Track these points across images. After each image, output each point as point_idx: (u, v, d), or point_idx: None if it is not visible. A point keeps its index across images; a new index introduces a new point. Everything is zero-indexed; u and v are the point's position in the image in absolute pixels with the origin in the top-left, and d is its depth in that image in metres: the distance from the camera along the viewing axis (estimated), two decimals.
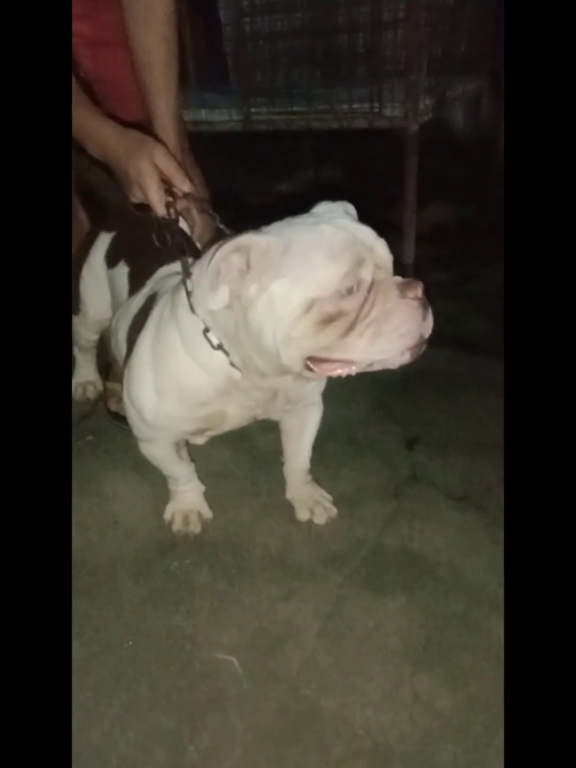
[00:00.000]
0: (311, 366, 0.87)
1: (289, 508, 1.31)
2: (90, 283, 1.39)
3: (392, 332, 0.82)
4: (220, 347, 0.94)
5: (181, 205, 1.08)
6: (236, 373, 0.96)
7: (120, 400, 1.59)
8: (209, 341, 0.93)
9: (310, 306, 0.81)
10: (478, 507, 1.31)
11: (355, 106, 1.90)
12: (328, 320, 0.82)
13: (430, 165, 2.29)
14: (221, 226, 1.04)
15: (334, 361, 0.86)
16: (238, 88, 2.31)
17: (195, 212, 1.12)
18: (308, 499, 1.30)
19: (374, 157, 2.89)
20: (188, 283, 0.94)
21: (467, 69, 2.62)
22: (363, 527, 1.27)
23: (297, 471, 1.29)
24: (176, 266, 1.07)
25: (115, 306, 1.29)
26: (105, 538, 1.27)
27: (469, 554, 1.20)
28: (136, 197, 1.10)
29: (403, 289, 0.83)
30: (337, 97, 1.97)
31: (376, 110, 1.86)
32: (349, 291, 0.81)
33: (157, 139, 1.23)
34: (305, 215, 0.90)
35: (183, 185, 1.07)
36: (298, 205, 2.64)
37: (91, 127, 1.08)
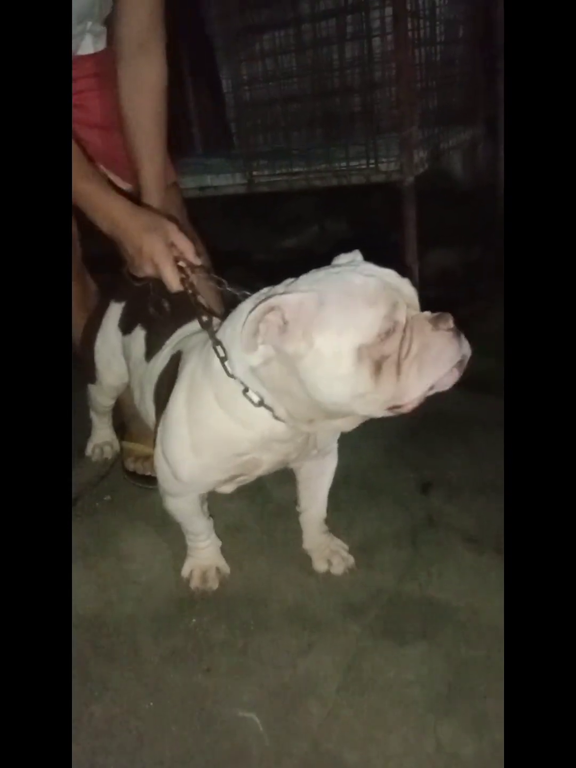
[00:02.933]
0: (390, 411, 0.89)
1: (305, 559, 1.31)
2: (105, 352, 1.44)
3: (435, 363, 0.86)
4: (262, 403, 0.95)
5: (192, 276, 1.13)
6: (280, 426, 0.97)
7: (136, 459, 1.64)
8: (250, 400, 0.95)
9: (359, 354, 0.84)
10: (495, 549, 1.30)
11: (352, 163, 1.98)
12: (377, 367, 0.85)
13: (431, 211, 2.35)
14: (231, 290, 1.08)
15: (402, 404, 0.88)
16: (241, 153, 2.41)
17: (202, 281, 1.16)
18: (325, 549, 1.30)
19: (376, 207, 2.97)
20: (219, 349, 0.97)
21: (461, 119, 2.71)
22: (381, 575, 1.27)
23: (314, 520, 1.30)
24: (194, 325, 1.12)
25: (133, 370, 1.32)
26: (124, 598, 1.28)
27: (489, 597, 1.19)
28: (147, 272, 1.14)
29: (435, 322, 0.87)
30: (335, 155, 2.05)
31: (372, 166, 1.93)
32: (388, 333, 0.84)
33: (143, 203, 1.29)
34: (327, 267, 0.93)
35: (195, 259, 1.12)
36: (304, 259, 2.70)
37: (101, 203, 1.13)
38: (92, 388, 1.54)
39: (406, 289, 0.89)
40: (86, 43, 1.34)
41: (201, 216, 1.68)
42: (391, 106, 2.21)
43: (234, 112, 2.72)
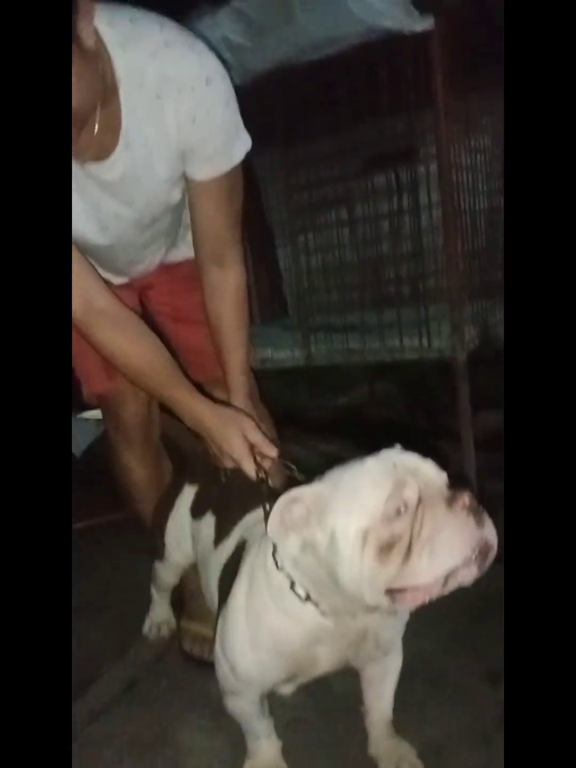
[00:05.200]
0: (393, 598, 0.89)
1: (371, 763, 1.24)
2: (175, 532, 1.48)
3: (446, 545, 0.84)
4: (308, 598, 0.98)
5: (266, 464, 1.21)
6: (328, 622, 0.99)
7: (194, 640, 1.61)
8: (297, 595, 0.98)
9: (365, 536, 0.87)
10: None
11: (405, 340, 2.08)
12: (387, 548, 0.86)
13: (480, 376, 2.42)
14: (300, 477, 1.14)
15: (411, 589, 0.87)
16: (298, 325, 2.55)
17: (276, 469, 1.23)
18: (393, 755, 1.23)
19: (426, 370, 3.07)
20: (271, 541, 1.01)
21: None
22: None
23: (379, 723, 1.24)
24: (260, 513, 1.15)
25: (201, 554, 1.36)
26: None
27: None
28: (228, 466, 1.23)
29: (450, 501, 0.86)
30: (388, 328, 2.17)
31: (425, 345, 2.03)
32: (397, 513, 0.86)
33: (223, 399, 1.38)
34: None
35: (269, 452, 1.20)
36: (354, 418, 2.74)
37: (188, 406, 1.23)
38: (158, 565, 1.57)
39: (426, 470, 0.91)
40: (181, 251, 1.51)
41: (258, 378, 1.77)
42: (441, 275, 2.30)
43: (290, 286, 2.91)
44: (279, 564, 1.00)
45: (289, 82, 2.13)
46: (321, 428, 3.19)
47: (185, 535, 1.45)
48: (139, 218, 1.29)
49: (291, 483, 1.29)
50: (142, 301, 1.60)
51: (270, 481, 1.19)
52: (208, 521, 1.35)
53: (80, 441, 3.23)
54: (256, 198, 3.29)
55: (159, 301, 1.60)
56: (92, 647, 1.70)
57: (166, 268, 1.52)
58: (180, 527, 1.46)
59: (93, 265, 1.29)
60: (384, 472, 0.89)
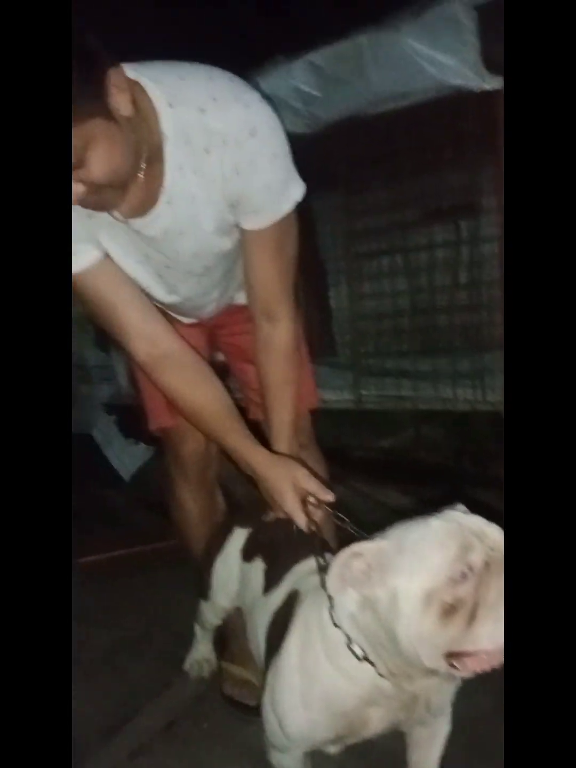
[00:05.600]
0: (454, 663, 0.88)
1: None
2: (222, 573, 1.48)
3: None
4: (366, 658, 0.97)
5: (318, 514, 1.20)
6: (385, 683, 0.97)
7: (235, 683, 1.61)
8: (354, 653, 0.97)
9: (429, 598, 0.86)
10: None
11: (459, 390, 2.07)
12: (450, 611, 0.85)
13: None
14: (352, 530, 1.14)
15: (473, 654, 0.87)
16: (350, 366, 2.57)
17: (327, 519, 1.23)
18: None
19: (475, 417, 3.04)
20: (327, 596, 1.00)
21: None
22: None
23: None
24: (312, 562, 1.16)
25: (249, 599, 1.35)
26: None
27: None
28: (281, 516, 1.23)
29: None
30: (441, 377, 2.17)
31: (480, 398, 2.02)
32: (463, 576, 0.85)
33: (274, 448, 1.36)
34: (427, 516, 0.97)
35: (325, 497, 1.19)
36: (399, 461, 2.70)
37: (243, 453, 1.24)
38: (204, 604, 1.57)
39: (492, 533, 0.90)
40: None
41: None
42: (497, 326, 2.29)
43: (341, 328, 2.93)
44: (335, 621, 0.99)
45: (356, 132, 2.19)
46: (365, 469, 3.18)
47: (233, 577, 1.45)
48: (189, 269, 1.30)
49: (342, 532, 1.29)
50: (211, 339, 1.63)
51: (322, 534, 1.19)
52: (258, 566, 1.35)
53: (129, 466, 3.30)
54: (311, 237, 3.35)
55: (227, 340, 1.63)
56: (133, 682, 1.71)
57: (234, 309, 1.55)
58: (228, 569, 1.46)
59: (158, 309, 1.32)
60: (450, 534, 0.88)
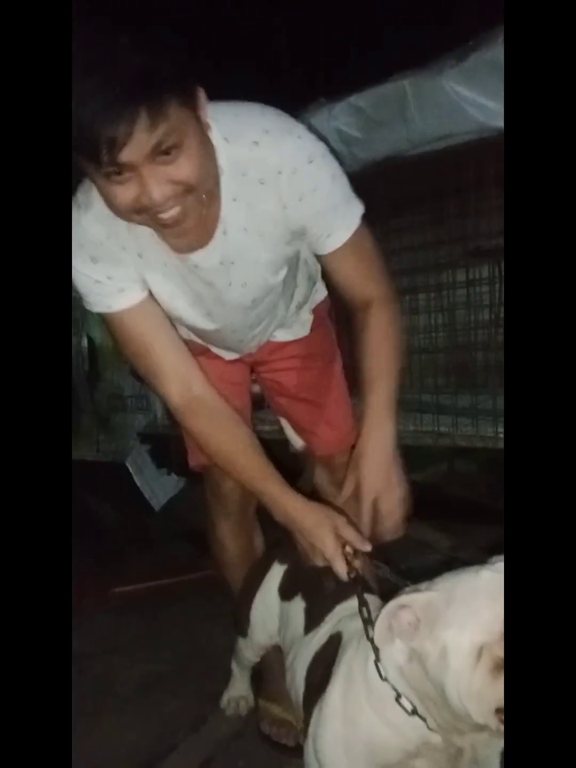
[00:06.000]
0: (503, 719, 0.85)
1: None
2: (261, 611, 1.47)
3: None
4: (415, 712, 0.95)
5: (358, 562, 1.17)
6: (433, 737, 0.96)
7: (273, 722, 1.59)
8: (403, 707, 0.96)
9: (479, 652, 0.84)
10: None
11: (500, 428, 2.06)
12: (501, 666, 0.83)
13: None
14: (391, 578, 1.13)
15: None
16: None
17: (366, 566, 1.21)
18: None
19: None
20: (374, 648, 0.99)
21: None
22: None
23: None
24: (354, 602, 1.13)
25: (288, 638, 1.34)
26: None
27: None
28: (319, 564, 1.20)
29: None
30: (480, 411, 2.14)
31: (500, 435, 2.00)
32: None
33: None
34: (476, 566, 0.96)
35: (362, 546, 1.17)
36: (431, 496, 2.65)
37: (279, 500, 1.22)
38: (241, 642, 1.56)
39: None
40: (293, 331, 1.54)
41: None
42: None
43: None
44: (382, 674, 0.97)
45: (397, 172, 2.22)
46: None
47: (272, 615, 1.44)
48: (239, 301, 1.32)
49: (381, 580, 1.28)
50: (251, 374, 1.65)
51: (364, 582, 1.16)
52: (298, 605, 1.34)
53: (160, 496, 3.31)
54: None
55: (267, 376, 1.64)
56: (168, 718, 1.70)
57: (276, 346, 1.57)
58: (267, 607, 1.46)
59: (191, 354, 1.31)
60: (501, 586, 0.87)
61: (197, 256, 1.21)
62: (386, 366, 1.30)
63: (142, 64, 0.95)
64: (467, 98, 1.92)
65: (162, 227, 1.10)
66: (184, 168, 1.02)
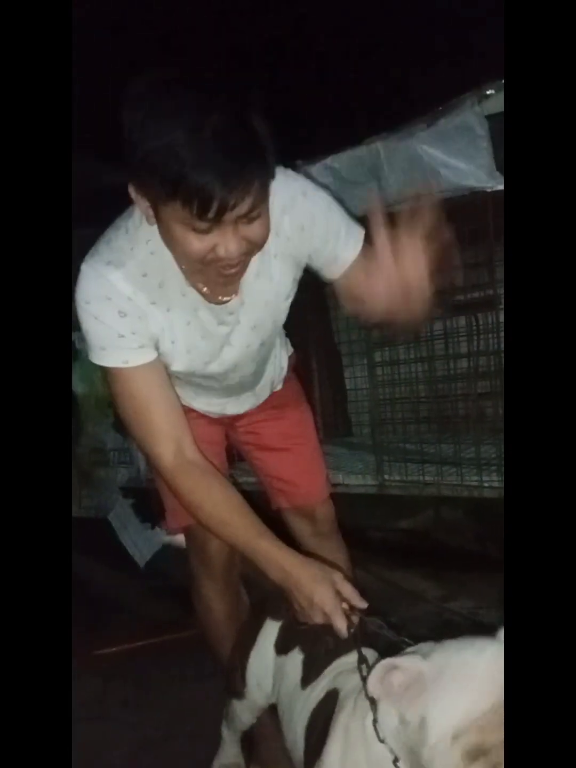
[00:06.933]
0: None
1: None
2: (257, 669, 1.43)
3: None
4: None
5: (354, 618, 1.16)
6: None
7: None
8: None
9: (456, 736, 0.84)
10: None
11: (484, 476, 2.09)
12: (474, 754, 0.83)
13: None
14: (388, 635, 1.12)
15: None
16: (370, 447, 2.58)
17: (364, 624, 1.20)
18: None
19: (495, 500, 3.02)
20: (371, 708, 0.98)
21: None
22: None
23: None
24: (352, 657, 1.13)
25: (285, 693, 1.32)
26: None
27: None
28: (317, 621, 1.18)
29: None
30: (463, 460, 2.17)
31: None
32: (496, 727, 0.82)
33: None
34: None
35: (359, 603, 1.17)
36: (418, 543, 2.63)
37: (274, 557, 1.21)
38: (236, 705, 1.51)
39: None
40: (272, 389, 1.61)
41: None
42: None
43: (361, 409, 2.98)
44: (380, 735, 0.96)
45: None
46: (384, 551, 3.13)
47: (267, 673, 1.41)
48: (248, 344, 1.37)
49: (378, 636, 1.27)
50: (227, 433, 1.67)
51: (363, 638, 1.16)
52: (296, 658, 1.31)
53: (144, 552, 3.26)
54: (324, 319, 3.45)
55: (245, 430, 1.66)
56: None
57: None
58: (262, 664, 1.42)
59: (185, 417, 1.33)
60: (492, 677, 0.85)
61: (219, 306, 1.26)
62: None
63: (258, 134, 1.03)
64: (438, 159, 2.01)
65: (220, 278, 1.16)
66: (259, 230, 1.10)
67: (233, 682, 1.50)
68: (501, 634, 0.91)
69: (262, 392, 1.57)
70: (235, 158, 0.99)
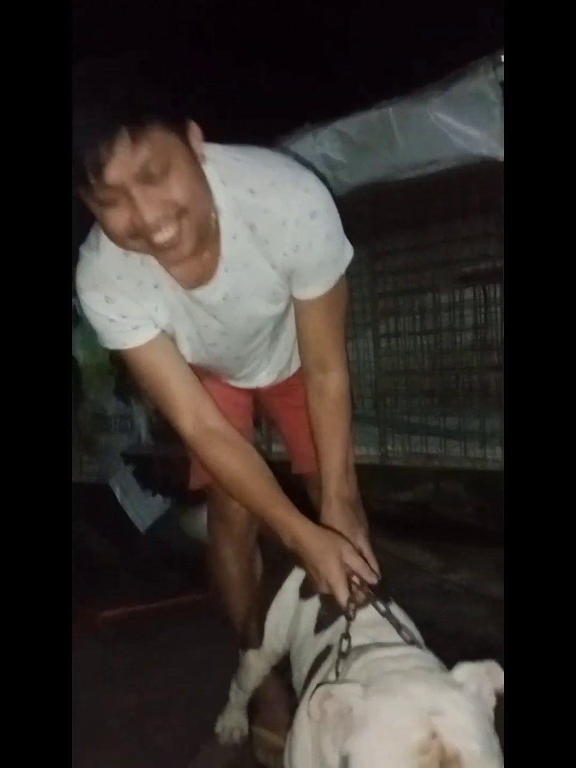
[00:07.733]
0: None
1: None
2: (276, 616, 1.42)
3: None
4: None
5: (360, 595, 1.15)
6: None
7: (269, 751, 1.57)
8: None
9: None
10: None
11: (488, 450, 2.08)
12: None
13: None
14: (392, 622, 1.10)
15: None
16: (373, 419, 2.57)
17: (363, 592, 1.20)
18: None
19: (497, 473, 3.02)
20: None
21: None
22: None
23: None
24: (364, 615, 1.12)
25: (298, 636, 1.31)
26: None
27: None
28: (323, 591, 1.20)
29: None
30: (468, 432, 2.16)
31: None
32: None
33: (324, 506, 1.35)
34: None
35: (368, 577, 1.16)
36: (418, 516, 2.65)
37: (288, 525, 1.23)
38: (251, 655, 1.51)
39: (471, 750, 0.76)
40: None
41: None
42: None
43: (364, 382, 2.95)
44: None
45: (381, 196, 2.25)
46: (385, 523, 3.14)
47: (286, 618, 1.40)
48: (243, 332, 1.36)
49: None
50: (255, 396, 1.65)
51: (355, 613, 1.13)
52: (313, 604, 1.31)
53: (145, 518, 3.29)
54: None
55: (271, 392, 1.63)
56: (159, 750, 1.67)
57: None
58: (282, 610, 1.41)
59: (204, 385, 1.35)
60: (416, 725, 0.78)
61: (201, 293, 1.24)
62: (340, 440, 1.37)
63: (128, 90, 0.98)
64: (450, 126, 1.96)
65: (159, 252, 1.11)
66: (174, 189, 1.04)
67: (248, 633, 1.50)
68: (458, 674, 0.87)
69: (285, 370, 1.54)
70: (101, 111, 0.95)
